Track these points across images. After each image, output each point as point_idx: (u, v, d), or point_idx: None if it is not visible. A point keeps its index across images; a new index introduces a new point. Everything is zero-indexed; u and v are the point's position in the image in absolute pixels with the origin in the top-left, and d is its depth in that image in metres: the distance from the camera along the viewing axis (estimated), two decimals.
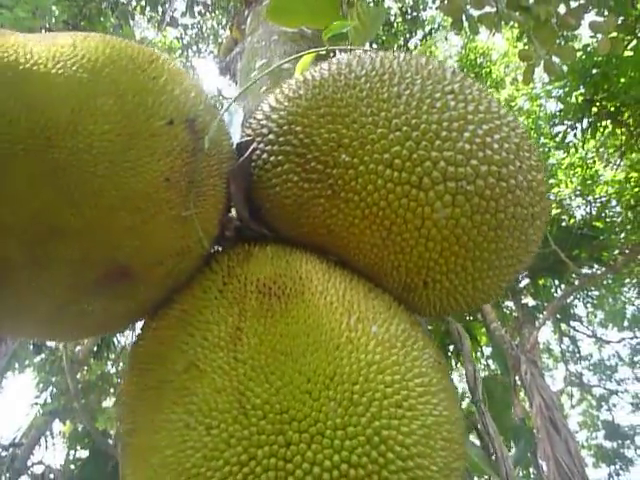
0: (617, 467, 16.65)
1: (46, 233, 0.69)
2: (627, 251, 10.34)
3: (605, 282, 13.12)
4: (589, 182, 10.53)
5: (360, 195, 0.85)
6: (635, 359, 16.22)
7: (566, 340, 15.28)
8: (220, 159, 0.88)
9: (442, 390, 0.80)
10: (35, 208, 0.67)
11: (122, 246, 0.76)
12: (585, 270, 11.38)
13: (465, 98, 0.89)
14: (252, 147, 0.94)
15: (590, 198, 10.77)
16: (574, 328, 14.48)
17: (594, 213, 10.79)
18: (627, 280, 13.29)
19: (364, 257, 0.90)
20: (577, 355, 15.24)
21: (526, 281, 11.43)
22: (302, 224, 0.93)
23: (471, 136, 0.85)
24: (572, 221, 10.85)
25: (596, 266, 11.19)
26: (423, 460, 0.70)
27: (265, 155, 0.94)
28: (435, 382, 0.79)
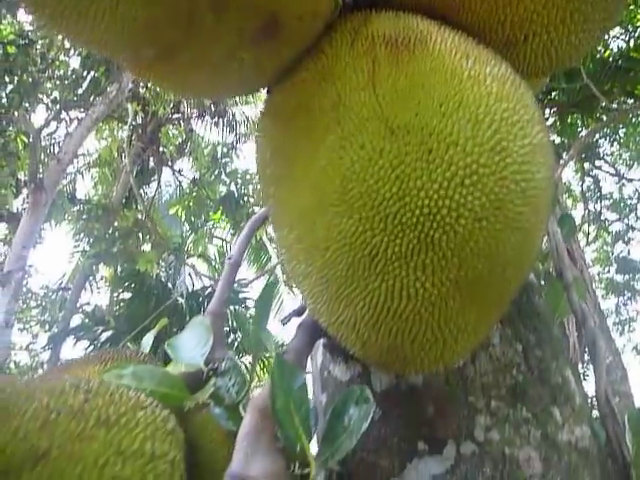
0: (625, 298, 17.72)
1: None
2: None
3: (634, 120, 12.84)
4: (631, 7, 9.80)
5: None
6: None
7: (588, 180, 15.41)
8: None
9: (541, 122, 0.96)
10: None
11: None
12: (615, 105, 11.09)
13: None
14: None
15: (630, 27, 10.14)
16: (597, 167, 14.51)
17: (632, 44, 10.21)
18: None
19: (472, 14, 1.01)
20: (597, 194, 15.46)
21: (553, 119, 11.23)
22: None
23: None
24: (607, 53, 10.33)
25: (628, 101, 10.86)
26: (531, 167, 0.89)
27: None
28: (537, 115, 0.95)
